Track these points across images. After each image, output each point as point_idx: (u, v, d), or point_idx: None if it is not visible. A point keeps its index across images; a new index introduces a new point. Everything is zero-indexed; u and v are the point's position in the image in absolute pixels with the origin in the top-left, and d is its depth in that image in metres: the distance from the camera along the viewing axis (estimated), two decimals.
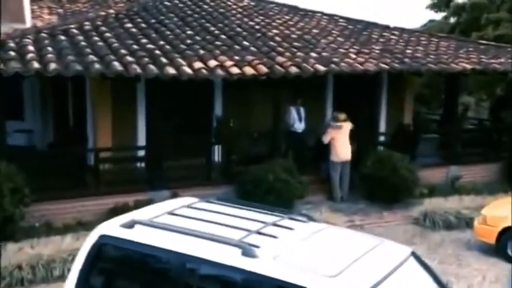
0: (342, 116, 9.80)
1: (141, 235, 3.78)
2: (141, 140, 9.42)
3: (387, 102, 12.10)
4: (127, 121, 9.58)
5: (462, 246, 7.96)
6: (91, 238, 3.88)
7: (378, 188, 9.54)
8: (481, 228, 7.65)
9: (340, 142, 9.66)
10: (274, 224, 3.92)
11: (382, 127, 12.08)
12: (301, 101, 10.44)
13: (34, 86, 10.65)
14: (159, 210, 4.20)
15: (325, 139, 9.68)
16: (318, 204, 9.22)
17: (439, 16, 20.05)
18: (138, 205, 6.80)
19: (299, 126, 10.42)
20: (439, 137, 12.01)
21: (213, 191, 8.74)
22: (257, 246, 3.53)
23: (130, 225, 3.85)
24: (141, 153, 8.98)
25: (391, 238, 8.14)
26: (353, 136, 9.84)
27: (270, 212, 4.27)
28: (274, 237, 3.68)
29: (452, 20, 19.38)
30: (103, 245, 3.82)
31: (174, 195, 8.11)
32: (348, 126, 9.81)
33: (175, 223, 3.88)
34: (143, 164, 8.95)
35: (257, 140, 9.67)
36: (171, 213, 4.12)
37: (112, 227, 3.91)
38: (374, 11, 38.54)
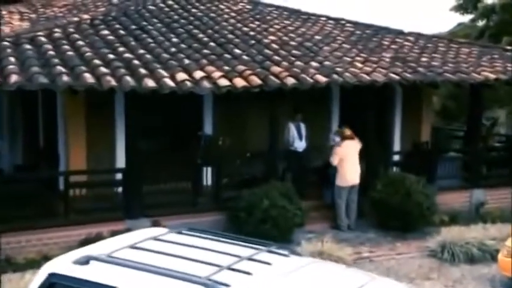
0: (348, 132, 9.70)
1: (97, 273, 3.70)
2: (120, 161, 9.38)
3: (402, 117, 12.10)
4: (104, 139, 9.60)
5: (485, 283, 7.78)
6: (39, 277, 3.81)
7: (389, 215, 9.46)
8: (506, 261, 7.48)
9: (348, 164, 9.55)
10: (250, 259, 3.84)
11: (397, 145, 12.04)
12: (301, 116, 10.41)
13: (1, 101, 10.71)
14: (119, 243, 4.13)
15: (334, 160, 9.52)
16: (321, 233, 9.11)
17: (466, 19, 20.03)
18: (114, 236, 6.71)
19: (299, 145, 10.37)
20: (462, 156, 11.93)
21: (200, 219, 8.72)
22: (227, 285, 3.44)
23: (84, 261, 3.77)
24: (119, 176, 8.91)
25: (404, 272, 8.20)
26: (361, 156, 9.77)
27: (247, 244, 4.18)
28: (248, 273, 3.59)
29: (480, 23, 19.34)
30: (52, 285, 3.74)
31: (155, 225, 8.06)
32: (356, 144, 9.70)
33: (137, 259, 3.80)
34: (121, 189, 8.90)
35: (251, 160, 9.64)
36: (134, 247, 4.04)
37: (63, 264, 3.84)
38: (399, 15, 38.89)
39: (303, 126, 10.45)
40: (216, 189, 9.33)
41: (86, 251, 4.00)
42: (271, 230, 8.35)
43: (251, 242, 4.37)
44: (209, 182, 9.57)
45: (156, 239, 4.21)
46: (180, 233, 4.44)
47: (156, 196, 8.74)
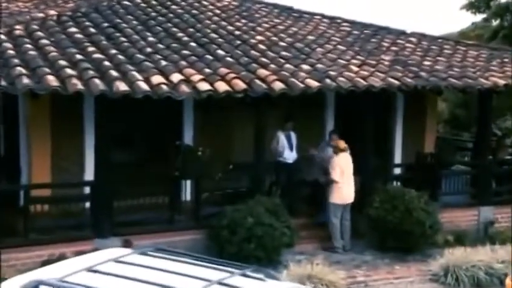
0: (343, 144, 9.66)
1: None
2: (89, 173, 9.32)
3: (403, 126, 12.15)
4: (71, 149, 9.56)
5: None
6: None
7: (388, 235, 9.46)
8: None
9: (344, 178, 9.54)
10: (220, 283, 3.80)
11: (397, 157, 12.06)
12: (291, 125, 10.40)
13: None
14: (76, 265, 4.07)
15: (335, 174, 9.46)
16: (312, 254, 9.10)
17: (479, 18, 20.13)
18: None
19: (290, 156, 10.36)
20: (470, 169, 11.95)
21: (177, 238, 8.70)
22: None
23: (33, 286, 3.71)
24: (87, 190, 8.86)
25: None
26: (355, 169, 9.77)
27: (220, 267, 4.15)
28: None
29: (494, 22, 19.43)
30: None
31: (126, 244, 8.01)
32: (349, 157, 9.72)
33: (93, 283, 3.74)
34: (89, 205, 8.86)
35: (235, 173, 9.62)
36: (91, 270, 3.98)
37: None
38: (404, 14, 39.15)
39: (293, 136, 10.45)
40: (196, 205, 9.30)
41: (36, 275, 3.94)
42: (256, 250, 8.34)
43: (225, 264, 4.34)
44: (188, 197, 9.54)
45: (117, 261, 4.15)
46: (145, 254, 4.39)
47: (129, 213, 8.72)
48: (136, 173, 9.48)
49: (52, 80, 7.54)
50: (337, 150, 9.63)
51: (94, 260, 4.17)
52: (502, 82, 10.37)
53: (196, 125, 10.44)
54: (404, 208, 9.35)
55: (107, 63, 8.37)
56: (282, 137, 10.32)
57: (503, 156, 12.62)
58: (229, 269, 4.14)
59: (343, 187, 9.53)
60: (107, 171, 8.56)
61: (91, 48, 8.80)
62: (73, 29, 9.45)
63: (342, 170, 9.49)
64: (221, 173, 9.09)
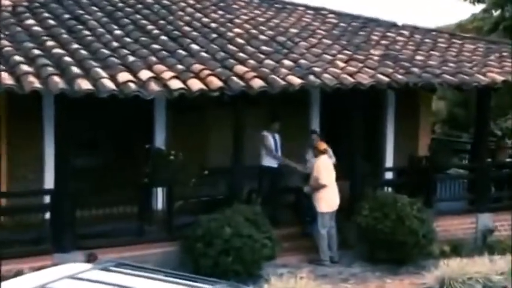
0: (323, 145, 9.73)
1: None
2: (49, 181, 9.25)
3: (395, 127, 12.25)
4: (29, 154, 9.47)
5: None
6: None
7: (378, 245, 9.50)
8: None
9: (330, 184, 9.57)
10: None
11: (389, 160, 12.14)
12: (278, 125, 10.44)
13: None
14: (26, 284, 4.04)
15: (323, 178, 9.47)
16: (296, 267, 9.12)
17: (478, 9, 20.28)
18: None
19: (276, 158, 10.37)
20: (467, 173, 12.04)
21: (147, 251, 8.67)
22: None
23: None
24: (47, 199, 8.82)
25: None
26: (342, 173, 9.81)
27: (187, 282, 4.15)
28: None
29: (494, 13, 19.57)
30: None
31: (90, 259, 7.95)
32: (330, 160, 9.78)
33: None
34: (49, 215, 8.76)
35: (211, 179, 9.60)
36: None
37: None
38: (397, 5, 39.36)
39: (278, 138, 10.49)
40: (168, 215, 9.26)
41: None
42: (234, 264, 8.33)
43: (196, 280, 4.37)
44: (159, 206, 9.49)
45: (73, 277, 4.14)
46: (106, 269, 4.38)
47: (93, 224, 8.67)
48: (101, 179, 9.41)
49: (6, 78, 7.45)
50: (318, 153, 9.64)
51: (48, 277, 4.16)
52: (500, 78, 10.46)
53: (168, 126, 10.42)
54: (396, 216, 9.38)
55: (67, 59, 8.30)
56: (270, 138, 10.33)
57: (503, 159, 12.75)
58: (200, 285, 4.14)
59: (330, 193, 9.56)
60: (69, 178, 8.49)
61: (50, 43, 8.72)
62: (30, 21, 9.37)
63: (328, 173, 9.53)
64: (195, 178, 9.03)
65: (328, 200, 9.54)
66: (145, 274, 4.37)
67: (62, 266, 4.72)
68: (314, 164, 9.70)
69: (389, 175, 11.90)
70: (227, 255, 8.33)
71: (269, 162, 10.31)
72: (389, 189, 11.00)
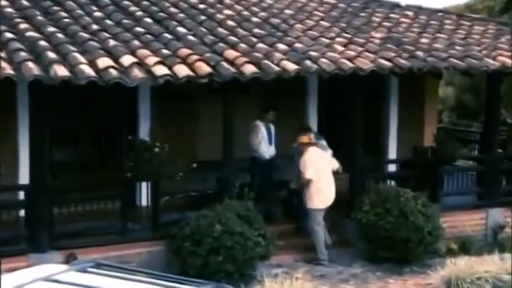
0: (305, 138, 9.67)
1: None
2: (23, 176, 9.24)
3: (399, 116, 12.28)
4: (2, 146, 9.45)
5: None
6: None
7: (380, 243, 9.51)
8: None
9: (322, 177, 9.58)
10: None
11: (392, 152, 12.17)
12: (272, 115, 10.46)
13: None
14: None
15: (309, 171, 9.47)
16: (292, 267, 9.11)
17: None
18: None
19: (267, 151, 10.41)
20: (476, 165, 12.08)
21: (131, 251, 8.70)
22: None
23: None
24: (21, 195, 8.77)
25: None
26: (341, 165, 9.85)
27: (171, 284, 4.15)
28: None
29: None
30: None
31: (69, 260, 7.92)
32: (325, 153, 9.77)
33: None
34: (23, 213, 8.79)
35: (200, 173, 9.60)
36: None
37: None
38: None
39: (273, 128, 10.51)
40: (153, 212, 9.26)
41: None
42: (225, 263, 8.35)
43: (181, 281, 4.38)
44: (143, 202, 9.50)
45: (48, 279, 4.12)
46: (84, 271, 4.37)
47: (72, 222, 8.67)
48: (81, 174, 9.43)
49: None
50: (303, 146, 9.64)
51: (21, 280, 4.13)
52: (511, 62, 10.46)
53: (152, 116, 10.42)
54: (399, 211, 9.39)
55: (43, 43, 8.28)
56: (262, 128, 10.36)
57: None
58: (185, 286, 4.13)
59: (322, 187, 9.55)
60: (45, 172, 8.48)
61: (24, 25, 8.70)
62: (2, 2, 9.31)
63: (316, 167, 9.51)
64: (183, 172, 9.02)
65: (321, 195, 9.53)
66: (127, 276, 4.37)
67: (37, 267, 4.71)
68: (302, 158, 9.67)
69: (392, 167, 11.93)
70: (217, 255, 8.34)
71: (261, 153, 10.34)
72: (392, 182, 11.00)
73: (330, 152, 10.03)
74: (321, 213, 9.57)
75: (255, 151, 10.37)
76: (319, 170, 9.52)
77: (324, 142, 10.04)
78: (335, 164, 9.83)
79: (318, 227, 9.54)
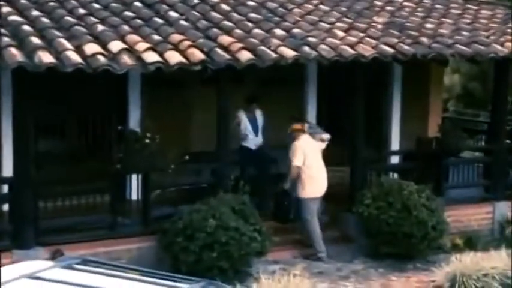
0: (296, 125, 9.73)
1: None
2: (7, 168, 9.19)
3: (402, 105, 12.27)
4: None
5: None
6: None
7: (382, 238, 9.55)
8: None
9: (315, 166, 9.64)
10: None
11: (394, 143, 12.18)
12: (255, 107, 10.53)
13: None
14: None
15: (298, 159, 9.53)
16: (289, 264, 9.15)
17: None
18: None
19: (253, 141, 10.46)
20: (483, 157, 12.09)
21: (120, 246, 8.72)
22: None
23: None
24: (5, 189, 8.73)
25: None
26: (341, 157, 9.85)
27: (162, 282, 4.16)
28: None
29: None
30: None
31: (55, 256, 7.92)
32: (316, 142, 9.80)
33: None
34: (7, 207, 8.74)
35: (194, 165, 9.61)
36: None
37: None
38: None
39: (260, 118, 10.58)
40: (144, 206, 9.25)
41: None
42: (219, 260, 8.37)
43: (172, 278, 4.43)
44: (134, 196, 9.50)
45: (31, 277, 4.12)
46: (69, 268, 4.38)
47: (59, 216, 8.67)
48: (67, 166, 9.41)
49: None
50: (294, 133, 9.71)
51: (3, 277, 4.13)
52: None
53: (143, 105, 10.38)
54: (402, 205, 9.42)
55: (26, 27, 8.26)
56: (244, 118, 10.44)
57: None
58: (174, 283, 4.15)
59: (314, 176, 9.60)
60: (30, 164, 8.47)
61: (6, 9, 8.65)
62: None
63: (306, 154, 9.57)
64: (175, 164, 9.02)
65: (312, 183, 9.58)
66: (115, 273, 4.38)
67: (21, 264, 4.72)
68: (292, 146, 9.74)
69: (394, 159, 11.96)
70: (211, 251, 8.36)
71: (247, 143, 10.47)
72: (395, 175, 11.03)
73: (326, 136, 9.99)
74: (314, 203, 9.61)
75: (242, 141, 10.49)
76: (310, 158, 9.58)
77: (316, 127, 10.14)
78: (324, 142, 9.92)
79: (312, 219, 9.58)
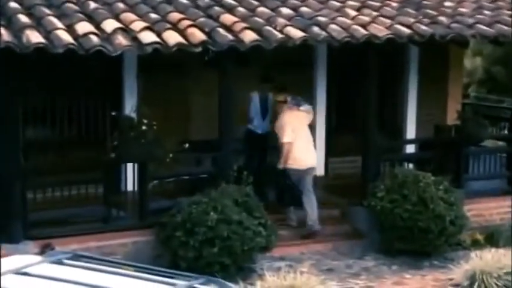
0: (279, 96, 9.99)
1: None
2: None
3: (418, 90, 12.28)
4: None
5: None
6: None
7: (396, 233, 9.56)
8: None
9: (303, 138, 9.88)
10: None
11: (410, 131, 12.17)
12: (269, 87, 10.53)
13: None
14: None
15: (285, 134, 9.73)
16: (296, 260, 9.20)
17: None
18: None
19: (259, 125, 10.54)
20: (506, 146, 12.09)
21: (115, 241, 8.77)
22: None
23: None
24: None
25: None
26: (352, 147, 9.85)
27: (158, 279, 4.22)
28: None
29: None
30: None
31: (44, 251, 7.96)
32: (301, 113, 9.98)
33: None
34: None
35: (194, 154, 9.64)
36: None
37: None
38: None
39: (270, 101, 10.63)
40: (140, 198, 9.28)
41: None
42: (220, 255, 8.41)
43: (168, 274, 4.43)
44: (129, 187, 9.51)
45: (18, 272, 4.13)
46: (59, 263, 4.40)
47: (49, 209, 8.71)
48: (58, 154, 9.42)
49: None
50: (278, 104, 10.04)
51: None
52: None
53: (139, 89, 10.41)
54: (418, 198, 9.43)
55: (13, 4, 8.28)
56: (255, 99, 10.51)
57: None
58: (172, 280, 4.16)
59: (302, 147, 9.84)
60: (18, 153, 8.50)
61: None
62: None
63: (294, 130, 9.82)
64: (174, 153, 9.03)
65: (296, 156, 9.82)
66: (109, 269, 4.39)
67: (8, 258, 4.73)
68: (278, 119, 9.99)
69: (410, 148, 11.96)
70: (212, 246, 8.39)
71: (252, 126, 10.56)
72: (410, 165, 11.06)
73: (308, 107, 10.26)
74: (306, 174, 9.84)
75: (249, 123, 10.61)
76: (298, 131, 9.85)
77: (303, 103, 10.26)
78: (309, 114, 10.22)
79: (309, 192, 9.83)
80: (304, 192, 9.83)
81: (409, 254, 9.56)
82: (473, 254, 9.22)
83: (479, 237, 10.16)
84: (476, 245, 9.89)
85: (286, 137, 9.78)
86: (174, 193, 9.24)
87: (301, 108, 10.12)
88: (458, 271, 8.95)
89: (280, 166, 9.90)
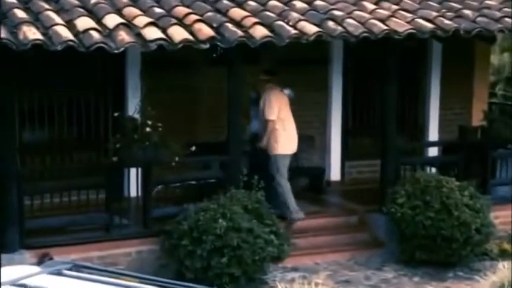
0: (265, 76, 10.08)
1: None
2: None
3: (441, 89, 12.25)
4: None
5: None
6: None
7: (417, 243, 9.54)
8: None
9: (288, 120, 9.96)
10: None
11: (433, 133, 12.16)
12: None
13: None
14: None
15: (272, 112, 9.84)
16: (311, 271, 9.21)
17: None
18: None
19: (254, 124, 10.53)
20: None
21: (117, 250, 8.82)
22: None
23: None
24: None
25: None
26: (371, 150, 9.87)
27: None
28: None
29: None
30: None
31: (42, 261, 8.01)
32: (284, 95, 10.13)
33: None
34: None
35: (201, 157, 9.66)
36: None
37: None
38: None
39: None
40: (144, 204, 9.32)
41: None
42: (230, 266, 8.44)
43: (174, 285, 4.43)
44: (132, 193, 9.58)
45: (14, 284, 4.14)
46: (58, 274, 4.40)
47: (47, 216, 8.73)
48: (57, 158, 9.44)
49: None
50: (262, 83, 10.10)
51: None
52: None
53: (143, 89, 10.36)
54: (441, 205, 9.42)
55: None
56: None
57: None
58: None
59: (288, 129, 9.97)
60: (14, 157, 8.53)
61: None
62: None
63: (280, 108, 9.96)
64: (180, 157, 9.06)
65: (285, 138, 9.91)
66: (111, 280, 4.38)
67: (3, 269, 4.74)
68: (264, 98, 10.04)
69: (433, 151, 11.94)
70: (221, 255, 8.42)
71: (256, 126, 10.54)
72: (433, 169, 11.05)
73: (289, 92, 10.32)
74: (286, 160, 9.92)
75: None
76: (283, 111, 9.97)
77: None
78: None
79: (283, 179, 9.88)
80: (278, 178, 9.84)
81: (432, 265, 9.56)
82: (500, 265, 9.17)
83: (507, 246, 10.13)
84: (504, 255, 9.83)
85: (272, 115, 9.85)
86: (180, 199, 9.25)
87: (285, 91, 10.20)
88: (485, 283, 8.89)
89: (262, 145, 9.94)
